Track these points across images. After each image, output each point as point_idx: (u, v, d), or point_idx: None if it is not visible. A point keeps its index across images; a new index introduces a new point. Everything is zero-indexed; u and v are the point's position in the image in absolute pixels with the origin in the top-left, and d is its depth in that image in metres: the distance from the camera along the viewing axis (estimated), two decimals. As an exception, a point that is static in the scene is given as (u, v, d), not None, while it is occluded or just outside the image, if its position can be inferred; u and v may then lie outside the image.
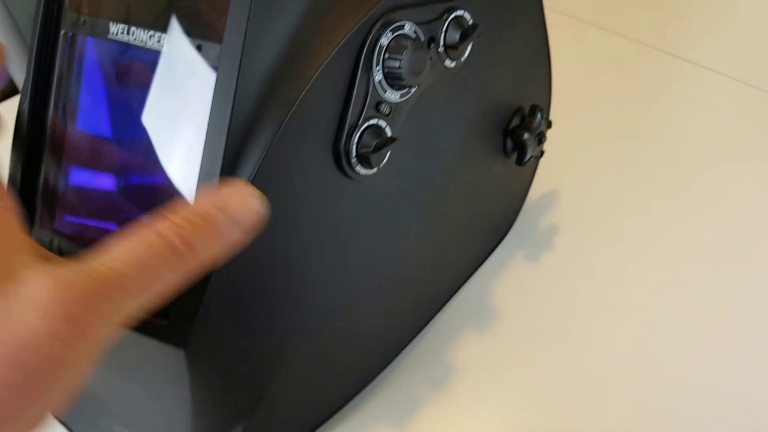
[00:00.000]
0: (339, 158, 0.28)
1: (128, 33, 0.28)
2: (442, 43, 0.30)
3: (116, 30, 0.28)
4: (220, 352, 0.28)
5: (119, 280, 0.20)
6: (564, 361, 0.38)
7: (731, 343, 0.39)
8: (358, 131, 0.28)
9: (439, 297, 0.41)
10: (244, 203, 0.23)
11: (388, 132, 0.29)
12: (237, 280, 0.27)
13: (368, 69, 0.27)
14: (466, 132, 0.35)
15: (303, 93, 0.25)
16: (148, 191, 0.29)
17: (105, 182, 0.31)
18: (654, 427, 0.35)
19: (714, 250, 0.44)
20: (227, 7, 0.25)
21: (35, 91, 0.31)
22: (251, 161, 0.25)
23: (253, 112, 0.25)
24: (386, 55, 0.27)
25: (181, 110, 0.27)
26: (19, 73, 0.76)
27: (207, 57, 0.26)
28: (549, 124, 0.39)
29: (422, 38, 0.29)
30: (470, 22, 0.30)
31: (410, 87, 0.29)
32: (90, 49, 0.30)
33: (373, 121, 0.28)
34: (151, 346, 0.28)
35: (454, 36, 0.30)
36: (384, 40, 0.27)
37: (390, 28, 0.27)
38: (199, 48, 0.26)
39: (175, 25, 0.27)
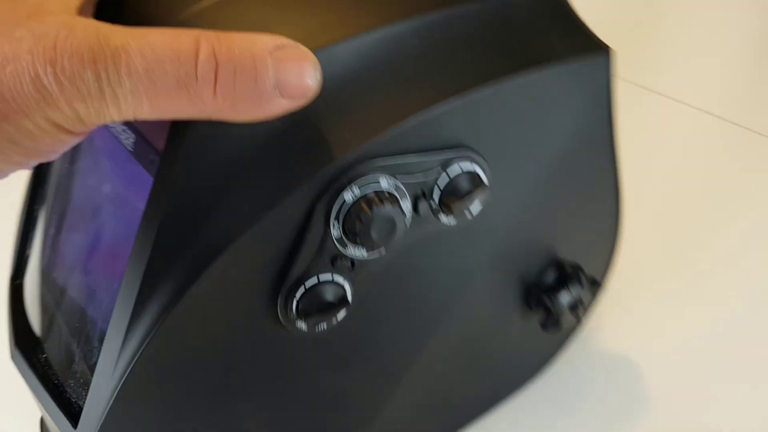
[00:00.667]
0: (276, 310, 0.24)
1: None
2: (436, 199, 0.25)
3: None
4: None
5: (122, 55, 0.18)
6: None
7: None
8: (300, 287, 0.24)
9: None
10: (300, 68, 0.19)
11: (348, 289, 0.25)
12: (150, 405, 0.25)
13: (325, 224, 0.23)
14: (475, 282, 0.29)
15: (240, 237, 0.22)
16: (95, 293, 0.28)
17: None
18: None
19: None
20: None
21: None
22: (171, 290, 0.23)
23: (183, 239, 0.23)
24: (347, 212, 0.23)
25: (118, 224, 0.26)
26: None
27: (152, 171, 0.24)
28: (596, 288, 0.32)
29: (403, 196, 0.24)
30: (481, 175, 0.25)
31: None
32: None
33: (326, 277, 0.24)
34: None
35: (454, 191, 0.25)
36: (348, 196, 0.23)
37: (358, 183, 0.23)
38: (151, 162, 0.24)
39: (141, 130, 0.25)
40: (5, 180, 0.23)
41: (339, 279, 0.24)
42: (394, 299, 0.27)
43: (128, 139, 0.25)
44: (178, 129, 0.22)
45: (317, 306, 0.24)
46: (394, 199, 0.23)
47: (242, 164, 0.22)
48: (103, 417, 0.24)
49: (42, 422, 0.38)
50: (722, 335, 0.40)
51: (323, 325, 0.25)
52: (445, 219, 0.25)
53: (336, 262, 0.24)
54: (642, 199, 0.43)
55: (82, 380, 0.27)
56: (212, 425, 0.26)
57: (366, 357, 0.28)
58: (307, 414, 0.28)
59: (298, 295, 0.24)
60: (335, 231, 0.23)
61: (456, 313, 0.29)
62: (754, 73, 0.63)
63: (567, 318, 0.31)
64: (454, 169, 0.24)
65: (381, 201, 0.22)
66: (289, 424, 0.28)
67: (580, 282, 0.30)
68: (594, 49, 0.26)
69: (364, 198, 0.22)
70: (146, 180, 0.24)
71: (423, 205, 0.24)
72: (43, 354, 0.29)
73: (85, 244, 0.28)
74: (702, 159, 0.55)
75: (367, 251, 0.24)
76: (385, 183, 0.23)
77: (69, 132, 0.20)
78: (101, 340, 0.25)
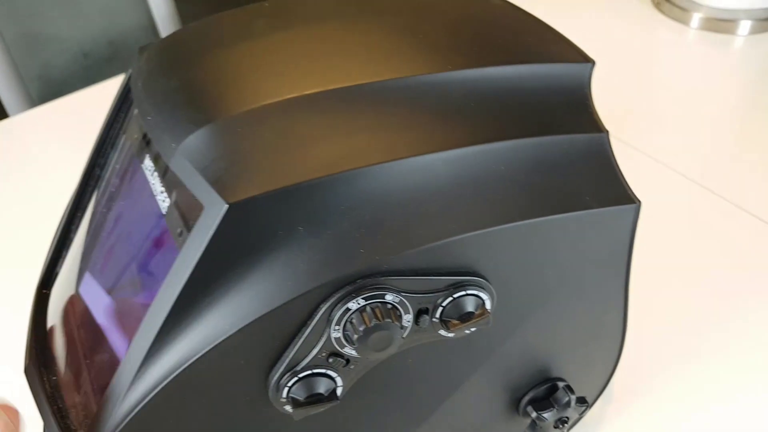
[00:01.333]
0: (267, 391, 0.25)
1: (152, 175, 0.28)
2: (438, 315, 0.26)
3: (149, 165, 0.29)
4: None
5: None
6: None
7: None
8: (294, 376, 0.25)
9: None
10: None
11: (339, 383, 0.26)
12: None
13: (326, 324, 0.24)
14: (465, 386, 0.30)
15: (245, 325, 0.23)
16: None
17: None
18: None
19: None
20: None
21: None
22: (178, 357, 0.24)
23: (194, 314, 0.24)
24: (350, 319, 0.24)
25: (142, 275, 0.27)
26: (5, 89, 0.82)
27: (179, 243, 0.25)
28: (583, 408, 0.32)
29: (406, 310, 0.25)
30: (486, 302, 0.26)
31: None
32: (131, 164, 0.31)
33: (320, 370, 0.25)
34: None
35: (456, 313, 0.25)
36: (353, 305, 0.24)
37: (364, 294, 0.24)
38: (179, 233, 0.25)
39: (176, 200, 0.26)
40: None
41: (332, 374, 0.25)
42: (382, 392, 0.28)
43: (164, 202, 0.27)
44: (209, 215, 0.23)
45: (307, 396, 0.25)
46: (395, 314, 0.24)
47: (261, 258, 0.23)
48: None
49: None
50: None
51: (310, 411, 0.26)
52: (444, 332, 0.26)
53: (331, 358, 0.25)
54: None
55: (83, 414, 0.28)
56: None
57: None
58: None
59: (290, 383, 0.25)
60: (335, 333, 0.24)
61: (442, 412, 0.30)
62: (732, 144, 0.64)
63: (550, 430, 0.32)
64: (461, 292, 0.25)
65: (382, 316, 0.23)
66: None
67: (568, 404, 0.30)
68: (623, 200, 0.26)
69: (367, 309, 0.23)
70: (171, 246, 0.26)
71: (424, 319, 0.25)
72: (54, 377, 0.31)
73: (108, 286, 0.30)
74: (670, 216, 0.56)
75: (368, 356, 0.25)
76: (390, 297, 0.24)
77: None
78: (106, 385, 0.26)
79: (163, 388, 0.24)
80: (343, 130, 0.24)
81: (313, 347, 0.25)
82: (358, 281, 0.23)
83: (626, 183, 0.27)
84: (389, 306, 0.24)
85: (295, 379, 0.25)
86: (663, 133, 0.67)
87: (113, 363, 0.27)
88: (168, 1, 0.96)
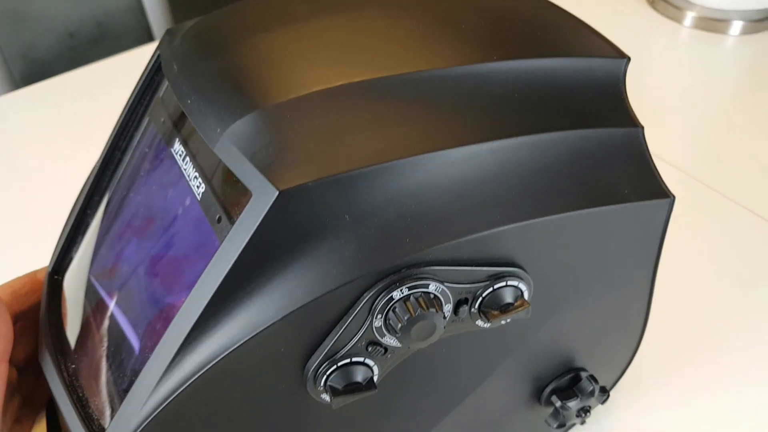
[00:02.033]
0: (305, 380, 0.25)
1: (184, 160, 0.28)
2: (476, 306, 0.26)
3: (179, 149, 0.28)
4: None
5: None
6: None
7: None
8: (333, 364, 0.25)
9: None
10: None
11: (376, 372, 0.26)
12: None
13: (368, 313, 0.24)
14: (494, 375, 0.30)
15: (287, 314, 0.23)
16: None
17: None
18: None
19: None
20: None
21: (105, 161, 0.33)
22: (217, 346, 0.24)
23: (234, 303, 0.24)
24: (393, 308, 0.24)
25: (178, 263, 0.27)
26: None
27: (218, 230, 0.25)
28: (604, 397, 0.33)
29: (447, 300, 0.25)
30: (525, 293, 0.26)
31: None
32: (156, 148, 0.30)
33: (358, 359, 0.25)
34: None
35: (496, 303, 0.26)
36: (396, 294, 0.24)
37: (408, 284, 0.24)
38: (218, 220, 0.25)
39: (214, 186, 0.26)
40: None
41: (370, 362, 0.25)
42: (415, 382, 0.28)
43: (199, 187, 0.26)
44: (258, 202, 0.23)
45: (345, 384, 0.25)
46: (438, 303, 0.24)
47: (306, 247, 0.23)
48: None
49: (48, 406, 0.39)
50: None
51: (347, 401, 0.26)
52: (481, 323, 0.26)
53: (370, 347, 0.25)
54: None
55: (107, 402, 0.28)
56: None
57: (380, 429, 0.29)
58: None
59: (329, 371, 0.25)
60: (377, 322, 0.24)
61: (470, 402, 0.30)
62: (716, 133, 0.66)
63: (573, 420, 0.32)
64: (501, 283, 0.25)
65: (426, 305, 0.23)
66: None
67: (592, 393, 0.31)
68: (659, 195, 0.27)
69: (411, 299, 0.24)
70: (207, 230, 0.25)
71: (463, 310, 0.25)
72: (72, 364, 0.30)
73: (137, 271, 0.29)
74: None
75: (404, 343, 0.25)
76: (433, 287, 0.24)
77: None
78: (135, 372, 0.26)
79: (200, 376, 0.24)
80: (390, 120, 0.24)
81: (354, 336, 0.24)
82: (403, 271, 0.23)
83: (660, 177, 0.27)
84: (432, 296, 0.24)
85: (334, 367, 0.25)
86: (656, 127, 0.69)
87: (142, 352, 0.26)
88: (158, -17, 0.94)
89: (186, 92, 0.25)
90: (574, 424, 0.38)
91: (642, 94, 0.74)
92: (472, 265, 0.24)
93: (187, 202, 0.27)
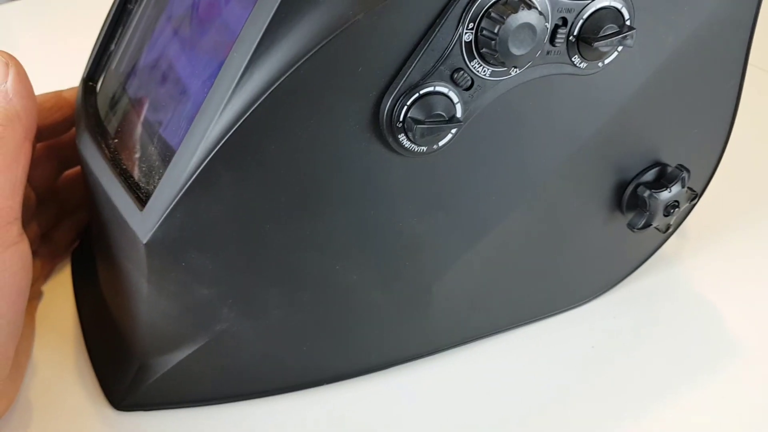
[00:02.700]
0: (378, 118, 0.22)
1: None
2: (576, 32, 0.23)
3: None
4: (186, 262, 0.25)
5: None
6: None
7: None
8: (412, 95, 0.22)
9: (480, 327, 0.34)
10: None
11: (458, 110, 0.23)
12: (235, 203, 0.23)
13: (456, 22, 0.21)
14: (575, 159, 0.27)
15: (348, 23, 0.20)
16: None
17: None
18: None
19: None
20: None
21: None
22: (279, 64, 0.21)
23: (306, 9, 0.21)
24: (486, 13, 0.21)
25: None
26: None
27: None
28: (694, 197, 0.30)
29: (547, 13, 0.22)
30: (627, 20, 0.23)
31: (506, 66, 0.22)
32: None
33: (441, 89, 0.22)
34: (125, 227, 0.25)
35: (595, 28, 0.23)
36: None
37: (503, -18, 0.21)
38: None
39: None
40: None
41: (453, 96, 0.22)
42: (493, 145, 0.25)
43: None
44: None
45: (428, 119, 0.22)
46: (536, 11, 0.21)
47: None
48: (176, 199, 0.23)
49: (74, 254, 0.37)
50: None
51: (423, 148, 0.23)
52: (577, 60, 0.23)
53: (455, 75, 0.22)
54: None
55: (153, 170, 0.25)
56: (285, 238, 0.25)
57: (449, 204, 0.26)
58: (381, 251, 0.26)
59: (409, 101, 0.22)
60: (467, 35, 0.21)
61: (548, 189, 0.27)
62: None
63: (660, 220, 0.29)
64: (603, 2, 0.22)
65: (528, 5, 0.20)
66: (361, 259, 0.26)
67: (682, 183, 0.28)
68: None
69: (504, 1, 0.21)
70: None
71: (561, 36, 0.22)
72: (115, 139, 0.28)
73: (180, 31, 0.26)
74: None
75: (492, 72, 0.22)
76: (533, -9, 0.21)
77: None
78: (190, 118, 0.23)
79: (269, 95, 0.21)
80: None
81: (441, 55, 0.21)
82: (500, -36, 0.20)
83: None
84: (531, 2, 0.21)
85: (416, 95, 0.22)
86: None
87: (198, 93, 0.24)
88: None
89: None
90: (653, 248, 0.35)
91: None
92: (573, -27, 0.21)
93: None
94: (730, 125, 0.30)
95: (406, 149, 0.23)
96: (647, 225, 0.29)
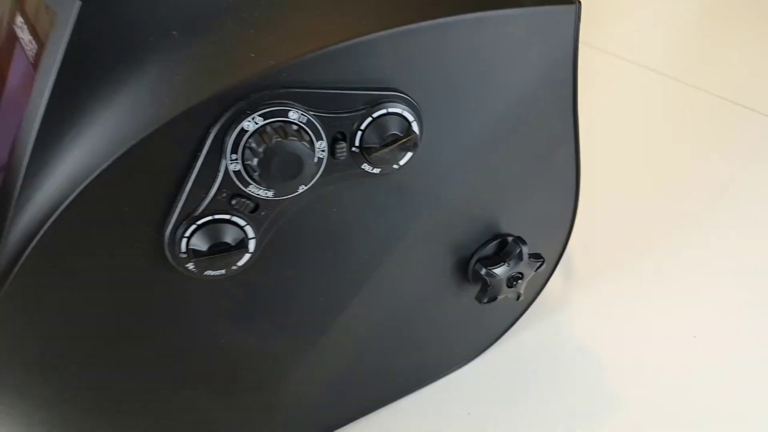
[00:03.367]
0: (163, 246, 0.21)
1: (21, 29, 0.24)
2: (357, 143, 0.22)
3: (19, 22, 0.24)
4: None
5: None
6: None
7: None
8: (193, 223, 0.21)
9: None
10: None
11: (250, 233, 0.22)
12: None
13: (220, 154, 0.20)
14: (407, 246, 0.27)
15: (110, 162, 0.19)
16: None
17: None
18: None
19: None
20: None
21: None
22: (48, 201, 0.20)
23: (57, 151, 0.20)
24: (248, 144, 0.20)
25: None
26: None
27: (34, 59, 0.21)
28: (540, 264, 0.29)
29: (318, 134, 0.21)
30: (410, 121, 0.22)
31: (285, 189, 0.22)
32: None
33: (223, 216, 0.22)
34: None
35: (378, 137, 0.22)
36: (248, 125, 0.20)
37: (261, 111, 0.20)
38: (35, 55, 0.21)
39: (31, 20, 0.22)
40: None
41: (239, 221, 0.22)
42: (309, 250, 0.24)
43: (31, 51, 0.22)
44: (62, 17, 0.19)
45: (211, 248, 0.21)
46: (303, 135, 0.20)
47: (129, 73, 0.19)
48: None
49: None
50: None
51: (222, 267, 0.22)
52: (368, 167, 0.23)
53: (235, 202, 0.21)
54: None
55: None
56: (99, 375, 0.23)
57: (273, 311, 0.25)
58: (205, 371, 0.26)
59: (188, 232, 0.21)
60: (234, 165, 0.20)
61: (383, 275, 0.27)
62: (695, 29, 0.64)
63: (505, 292, 0.29)
64: (380, 110, 0.21)
65: (286, 134, 0.20)
66: (182, 381, 0.25)
67: (520, 256, 0.28)
68: (563, 1, 0.23)
69: (267, 129, 0.20)
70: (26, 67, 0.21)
71: (342, 147, 0.22)
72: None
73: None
74: (643, 114, 0.57)
75: (275, 192, 0.21)
76: (295, 115, 0.20)
77: None
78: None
79: (41, 236, 0.20)
80: None
81: (211, 186, 0.21)
82: (252, 95, 0.19)
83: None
84: (295, 127, 0.20)
85: (194, 226, 0.21)
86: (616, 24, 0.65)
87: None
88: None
89: None
90: (516, 313, 0.35)
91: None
92: (341, 89, 0.21)
93: (24, 65, 0.23)
94: (575, 189, 0.30)
95: (205, 275, 0.22)
96: (493, 298, 0.29)
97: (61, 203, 0.20)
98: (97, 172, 0.19)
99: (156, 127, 0.19)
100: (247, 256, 0.22)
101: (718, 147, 0.51)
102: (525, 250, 0.28)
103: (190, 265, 0.22)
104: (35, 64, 0.21)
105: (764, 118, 0.54)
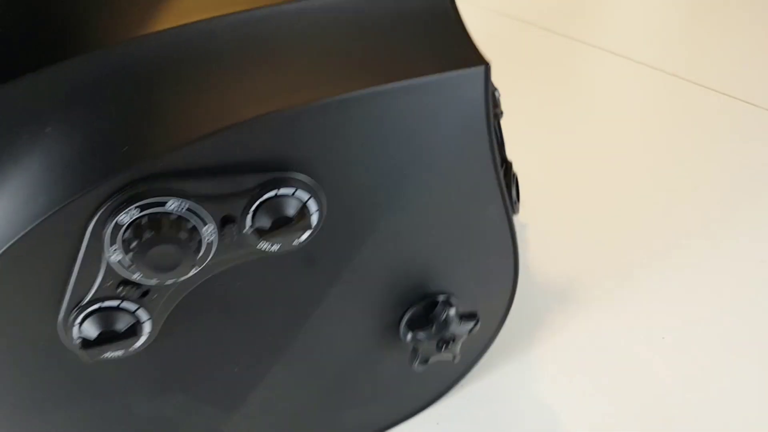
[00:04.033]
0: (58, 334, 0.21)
1: None
2: (248, 224, 0.21)
3: None
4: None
5: None
6: None
7: None
8: (81, 312, 0.21)
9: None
10: None
11: (143, 317, 0.22)
12: None
13: (100, 243, 0.20)
14: (325, 311, 0.26)
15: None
16: None
17: None
18: None
19: None
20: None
21: None
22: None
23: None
24: (124, 237, 0.20)
25: None
26: None
27: None
28: (473, 324, 0.28)
29: (203, 220, 0.20)
30: (309, 204, 0.21)
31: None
32: None
33: (111, 303, 0.21)
34: None
35: (270, 219, 0.21)
36: (123, 218, 0.19)
37: (138, 203, 0.19)
38: None
39: None
40: None
41: (129, 306, 0.21)
42: (216, 322, 0.24)
43: None
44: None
45: (101, 335, 0.21)
46: (181, 226, 0.19)
47: (3, 172, 0.19)
48: None
49: None
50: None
51: (118, 353, 0.22)
52: (266, 245, 0.22)
53: (122, 289, 0.21)
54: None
55: None
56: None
57: (185, 385, 0.25)
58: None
59: (78, 320, 0.21)
60: (115, 255, 0.20)
61: (306, 340, 0.26)
62: (689, 22, 0.63)
63: (437, 355, 0.28)
64: (270, 193, 0.21)
65: (160, 227, 0.19)
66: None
67: (447, 320, 0.26)
68: (469, 63, 0.22)
69: (143, 222, 0.19)
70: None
71: (231, 230, 0.21)
72: None
73: None
74: (638, 110, 0.56)
75: (158, 281, 0.21)
76: (173, 204, 0.19)
77: None
78: None
79: None
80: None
81: (96, 276, 0.20)
82: (127, 188, 0.19)
83: (473, 43, 0.22)
84: (174, 216, 0.20)
85: (83, 315, 0.21)
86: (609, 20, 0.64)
87: None
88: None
89: None
90: (451, 359, 0.33)
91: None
92: (226, 173, 0.20)
93: None
94: (512, 246, 0.29)
95: (103, 357, 0.22)
96: (425, 361, 0.28)
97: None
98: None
99: (31, 226, 0.18)
100: (143, 338, 0.22)
101: (715, 141, 0.50)
102: (452, 312, 0.27)
103: (83, 354, 0.21)
104: None
105: (758, 110, 0.53)
